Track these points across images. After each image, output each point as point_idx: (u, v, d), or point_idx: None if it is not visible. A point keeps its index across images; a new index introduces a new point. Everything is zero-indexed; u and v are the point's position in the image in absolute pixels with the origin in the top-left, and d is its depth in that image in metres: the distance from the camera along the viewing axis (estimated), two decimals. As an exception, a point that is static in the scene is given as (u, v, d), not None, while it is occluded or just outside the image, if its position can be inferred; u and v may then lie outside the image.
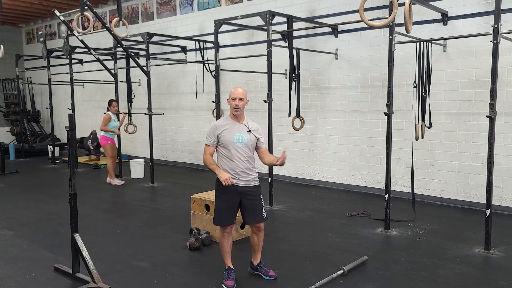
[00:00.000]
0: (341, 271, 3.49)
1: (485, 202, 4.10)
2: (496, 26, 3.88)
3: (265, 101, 5.53)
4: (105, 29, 6.77)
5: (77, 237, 3.51)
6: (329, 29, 6.71)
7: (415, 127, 4.88)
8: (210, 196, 4.58)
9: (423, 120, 4.96)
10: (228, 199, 3.36)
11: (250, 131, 3.40)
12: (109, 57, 9.26)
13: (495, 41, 3.90)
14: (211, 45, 8.11)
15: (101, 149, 10.08)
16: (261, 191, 3.48)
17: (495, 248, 4.11)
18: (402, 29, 4.63)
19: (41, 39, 9.35)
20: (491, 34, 3.93)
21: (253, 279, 3.52)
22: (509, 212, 5.35)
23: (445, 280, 3.46)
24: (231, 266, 3.48)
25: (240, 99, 3.36)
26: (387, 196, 4.68)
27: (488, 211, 4.04)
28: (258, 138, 3.44)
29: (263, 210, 3.42)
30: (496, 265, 3.79)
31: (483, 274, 3.64)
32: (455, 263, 3.81)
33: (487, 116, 3.98)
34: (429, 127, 5.07)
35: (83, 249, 3.48)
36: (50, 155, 10.22)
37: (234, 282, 3.38)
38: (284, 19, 6.00)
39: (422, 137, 4.99)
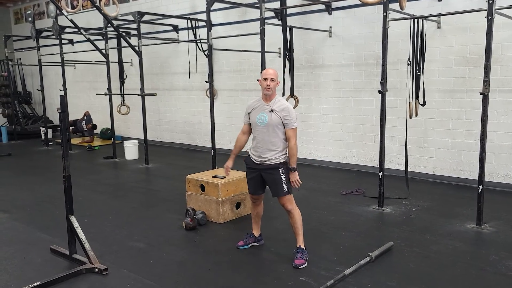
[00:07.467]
0: (369, 258, 3.39)
1: (477, 178, 4.14)
2: (490, 1, 3.84)
3: (258, 80, 5.48)
4: (94, 8, 6.63)
5: (73, 219, 3.52)
6: (322, 6, 6.63)
7: (409, 105, 4.88)
8: (205, 176, 4.59)
9: (417, 97, 4.96)
10: (250, 172, 3.59)
11: (272, 111, 3.36)
12: (100, 37, 9.10)
13: (489, 17, 3.87)
14: (203, 23, 7.98)
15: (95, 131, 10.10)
16: (283, 170, 3.40)
17: (487, 223, 4.18)
18: (396, 6, 4.58)
19: (30, 19, 9.15)
20: (485, 10, 3.90)
21: (251, 251, 3.56)
22: (500, 188, 5.42)
23: (437, 255, 3.52)
24: (253, 232, 3.78)
25: (272, 79, 3.38)
26: (380, 174, 4.72)
27: (481, 187, 4.08)
28: (281, 118, 3.34)
29: (284, 186, 3.41)
30: (487, 240, 3.85)
31: (475, 249, 3.70)
32: (448, 238, 3.87)
33: (481, 93, 3.98)
34: (423, 105, 5.07)
35: (79, 230, 3.50)
36: (43, 137, 10.14)
37: (243, 243, 3.72)
38: (277, -4, 5.91)
39: (416, 115, 5.00)
